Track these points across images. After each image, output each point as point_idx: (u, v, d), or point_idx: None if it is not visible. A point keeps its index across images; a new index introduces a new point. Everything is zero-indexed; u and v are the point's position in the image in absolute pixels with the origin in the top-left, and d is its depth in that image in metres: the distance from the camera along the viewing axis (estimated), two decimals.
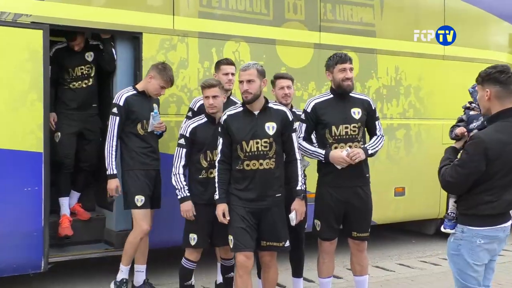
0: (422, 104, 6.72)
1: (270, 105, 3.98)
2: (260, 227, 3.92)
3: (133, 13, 4.93)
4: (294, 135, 3.99)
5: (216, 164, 4.00)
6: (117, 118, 4.57)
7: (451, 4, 6.89)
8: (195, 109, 4.73)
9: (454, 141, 3.78)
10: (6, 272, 4.58)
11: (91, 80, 5.25)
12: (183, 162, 4.23)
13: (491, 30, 7.13)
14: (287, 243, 4.02)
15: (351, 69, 4.22)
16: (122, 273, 4.73)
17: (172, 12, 5.12)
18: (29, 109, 4.51)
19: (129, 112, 4.60)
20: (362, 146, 4.21)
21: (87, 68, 5.21)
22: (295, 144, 3.99)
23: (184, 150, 4.24)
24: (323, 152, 4.15)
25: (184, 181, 4.24)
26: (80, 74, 5.17)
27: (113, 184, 4.60)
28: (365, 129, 4.31)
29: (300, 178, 3.94)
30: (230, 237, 3.90)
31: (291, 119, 3.99)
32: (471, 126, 3.62)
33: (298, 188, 3.93)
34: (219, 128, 4.03)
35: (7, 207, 4.46)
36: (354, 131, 4.17)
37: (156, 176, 4.77)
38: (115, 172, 4.57)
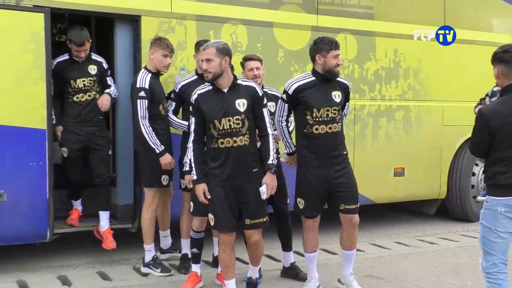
0: (421, 86, 6.78)
1: (239, 81, 3.98)
2: (242, 205, 3.95)
3: None
4: (265, 110, 4.00)
5: (191, 144, 4.04)
6: (146, 101, 4.67)
7: None
8: (177, 90, 4.95)
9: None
10: (15, 241, 4.91)
11: (94, 93, 5.14)
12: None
13: (493, 12, 7.11)
14: (267, 218, 4.06)
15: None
16: (150, 252, 4.91)
17: None
18: (33, 87, 4.77)
19: (153, 95, 4.76)
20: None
21: (90, 81, 5.10)
22: (267, 119, 4.00)
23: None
24: (291, 149, 4.49)
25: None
26: (82, 86, 5.07)
27: (168, 159, 4.76)
28: None
29: (271, 153, 3.95)
30: (211, 216, 3.99)
31: (260, 94, 3.99)
32: (492, 100, 4.01)
33: (269, 162, 3.93)
34: (191, 108, 4.05)
35: (14, 180, 4.76)
36: (334, 113, 4.27)
37: (171, 154, 4.96)
38: (163, 147, 4.73)
